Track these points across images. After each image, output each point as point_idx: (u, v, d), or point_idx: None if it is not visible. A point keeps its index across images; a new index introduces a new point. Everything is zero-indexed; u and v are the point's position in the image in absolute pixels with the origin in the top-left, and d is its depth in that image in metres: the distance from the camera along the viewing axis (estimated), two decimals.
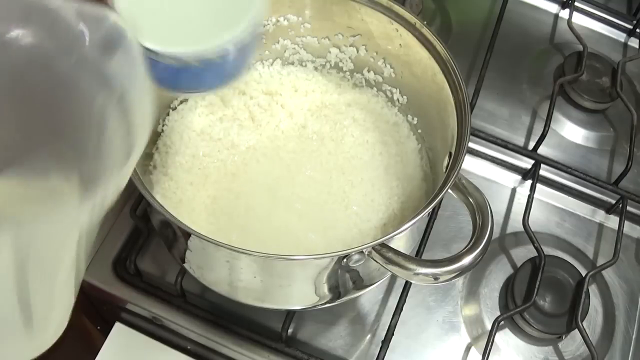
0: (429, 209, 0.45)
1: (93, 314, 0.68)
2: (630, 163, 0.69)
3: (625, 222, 0.68)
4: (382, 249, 0.43)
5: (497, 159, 0.72)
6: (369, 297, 0.61)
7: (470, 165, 0.71)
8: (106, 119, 0.35)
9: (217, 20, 0.42)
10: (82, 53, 0.35)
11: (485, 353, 0.57)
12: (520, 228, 0.64)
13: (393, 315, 0.58)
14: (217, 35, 0.41)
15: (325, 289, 0.49)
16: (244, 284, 0.49)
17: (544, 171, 0.70)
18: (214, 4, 0.42)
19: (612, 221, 0.70)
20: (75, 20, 0.34)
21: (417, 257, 0.61)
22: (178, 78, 0.43)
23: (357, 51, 0.61)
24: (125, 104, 0.35)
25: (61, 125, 0.37)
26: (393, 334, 0.57)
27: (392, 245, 0.44)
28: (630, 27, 0.86)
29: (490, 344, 0.57)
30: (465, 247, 0.44)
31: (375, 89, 0.63)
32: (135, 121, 0.35)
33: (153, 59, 0.40)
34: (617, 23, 0.87)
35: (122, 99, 0.35)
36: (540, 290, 0.61)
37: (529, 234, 0.63)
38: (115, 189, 0.34)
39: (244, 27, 0.41)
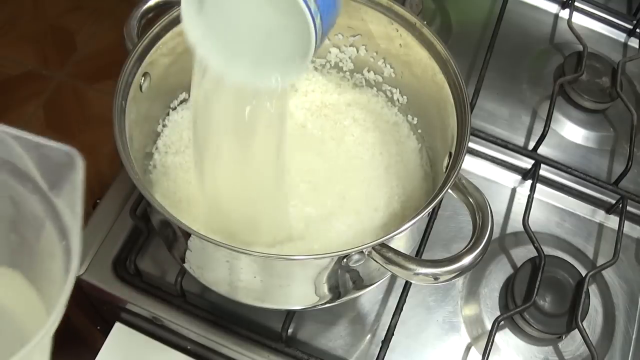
0: (429, 209, 0.45)
1: (93, 314, 0.68)
2: (630, 163, 0.69)
3: (625, 222, 0.68)
4: (382, 249, 0.43)
5: (497, 159, 0.72)
6: (369, 297, 0.61)
7: (470, 165, 0.71)
8: (53, 250, 0.38)
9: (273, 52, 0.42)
10: (36, 184, 0.38)
11: (485, 353, 0.57)
12: (520, 228, 0.64)
13: (393, 315, 0.58)
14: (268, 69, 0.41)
15: (325, 289, 0.49)
16: (244, 284, 0.49)
17: (544, 171, 0.70)
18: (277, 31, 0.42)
19: (612, 221, 0.70)
20: (32, 154, 0.38)
21: (417, 257, 0.61)
22: None
23: (357, 51, 0.61)
24: (68, 237, 0.38)
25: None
26: (393, 334, 0.57)
27: (392, 245, 0.44)
28: (630, 27, 0.86)
29: (490, 344, 0.57)
30: (465, 247, 0.44)
31: (375, 89, 0.63)
32: (73, 251, 0.37)
33: None
34: (617, 23, 0.87)
35: (66, 232, 0.38)
36: (540, 290, 0.61)
37: (529, 234, 0.63)
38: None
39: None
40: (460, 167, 0.46)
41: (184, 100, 0.60)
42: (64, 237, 0.38)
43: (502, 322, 0.60)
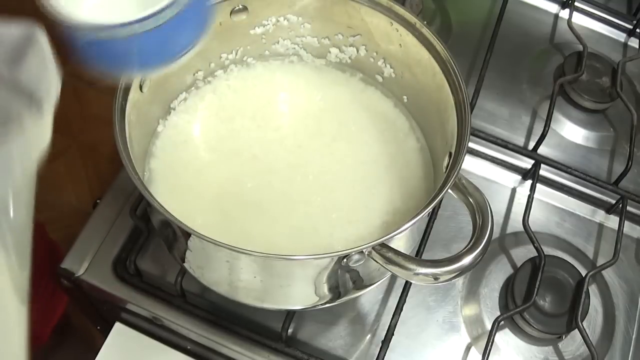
0: (429, 209, 0.45)
1: (93, 314, 0.68)
2: (630, 163, 0.69)
3: (625, 222, 0.68)
4: (382, 249, 0.43)
5: (497, 159, 0.72)
6: (369, 297, 0.61)
7: (470, 165, 0.71)
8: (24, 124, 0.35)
9: None
10: None
11: (485, 353, 0.57)
12: (520, 228, 0.64)
13: (393, 315, 0.58)
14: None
15: (325, 289, 0.49)
16: (244, 284, 0.49)
17: (544, 171, 0.70)
18: None
19: (612, 221, 0.70)
20: None
21: (417, 257, 0.61)
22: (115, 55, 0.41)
23: (357, 51, 0.61)
24: (38, 101, 0.35)
25: None
26: (393, 334, 0.57)
27: (392, 245, 0.44)
28: (630, 27, 0.86)
29: (490, 344, 0.57)
30: (465, 247, 0.44)
31: (375, 88, 0.63)
32: (45, 112, 0.35)
33: (91, 38, 0.39)
34: (617, 23, 0.87)
35: (35, 98, 0.35)
36: (540, 290, 0.61)
37: (529, 234, 0.63)
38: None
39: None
40: (460, 167, 0.46)
41: (184, 100, 0.60)
42: (34, 99, 0.35)
43: (502, 322, 0.60)
